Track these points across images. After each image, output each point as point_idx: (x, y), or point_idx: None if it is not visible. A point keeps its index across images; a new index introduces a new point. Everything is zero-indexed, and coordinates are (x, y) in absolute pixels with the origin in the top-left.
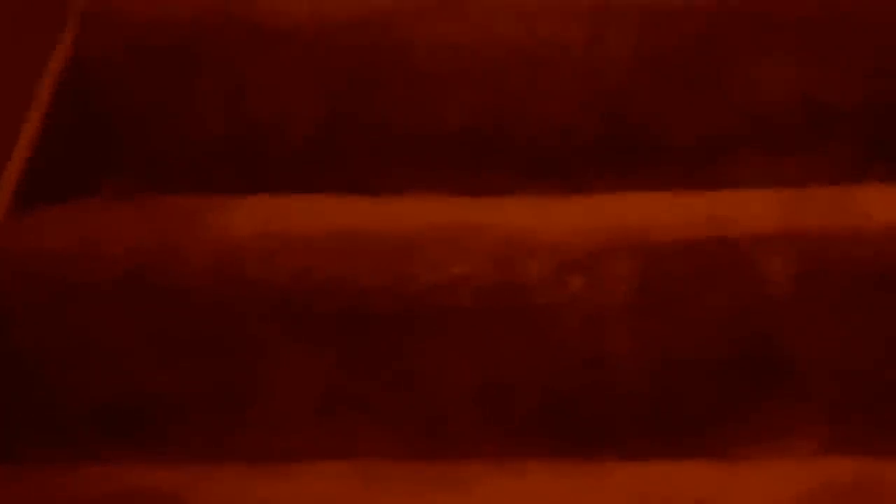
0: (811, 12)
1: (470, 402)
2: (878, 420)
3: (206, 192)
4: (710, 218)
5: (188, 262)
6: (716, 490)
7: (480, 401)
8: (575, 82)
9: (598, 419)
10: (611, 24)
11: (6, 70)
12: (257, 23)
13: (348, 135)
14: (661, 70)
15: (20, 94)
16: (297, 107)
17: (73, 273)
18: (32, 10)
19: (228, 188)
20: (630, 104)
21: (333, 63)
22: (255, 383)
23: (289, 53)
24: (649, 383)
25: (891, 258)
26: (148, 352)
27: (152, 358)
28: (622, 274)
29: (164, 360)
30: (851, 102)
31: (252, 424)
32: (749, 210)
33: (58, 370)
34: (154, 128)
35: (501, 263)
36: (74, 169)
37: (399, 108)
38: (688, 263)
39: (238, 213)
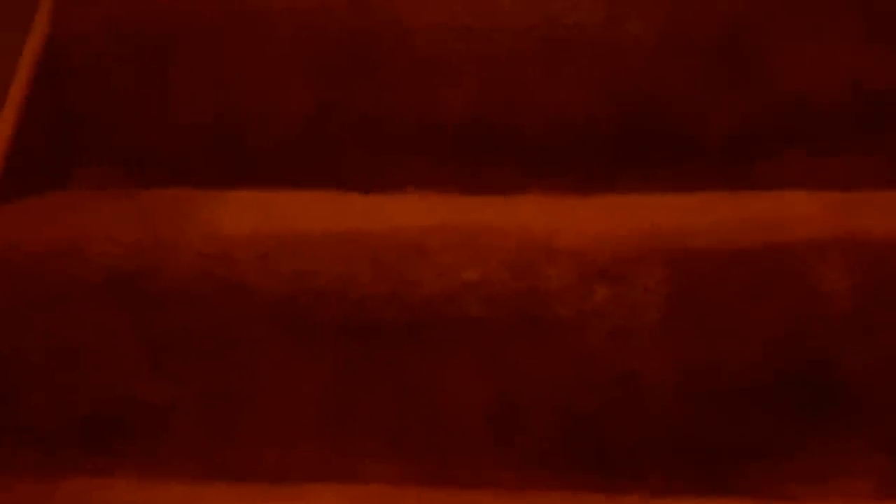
0: None
1: (481, 423)
2: None
3: (188, 184)
4: (753, 221)
5: (178, 263)
6: None
7: (493, 422)
8: (592, 67)
9: (625, 448)
10: (632, 3)
11: None
12: (242, 4)
13: (340, 125)
14: (690, 53)
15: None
16: (285, 95)
17: (54, 273)
18: None
19: (211, 181)
20: (655, 93)
21: (324, 47)
22: (247, 395)
23: (276, 37)
24: (683, 409)
25: None
26: (134, 358)
27: (139, 365)
28: (654, 284)
29: (152, 368)
30: None
31: (244, 439)
32: (798, 213)
33: (39, 376)
34: (132, 115)
35: (517, 269)
36: (49, 157)
37: (396, 96)
38: (729, 273)
39: (229, 210)
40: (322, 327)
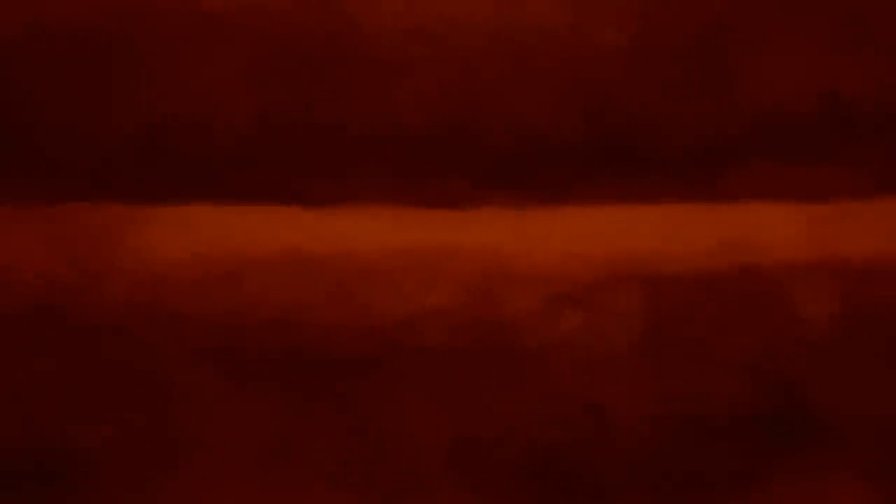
0: None
1: (441, 459)
2: None
3: (117, 200)
4: (729, 242)
5: (108, 293)
6: None
7: (454, 459)
8: (558, 74)
9: (594, 483)
10: (603, 5)
11: None
12: (179, 3)
13: (287, 134)
14: (661, 60)
15: None
16: (226, 100)
17: None
18: None
19: (144, 196)
20: (623, 101)
21: (269, 50)
22: (185, 435)
23: (216, 38)
24: (656, 441)
25: None
26: (60, 398)
27: (65, 405)
28: (628, 310)
29: (80, 408)
30: (884, 99)
31: (181, 483)
32: (776, 233)
33: None
34: (54, 121)
35: (480, 295)
36: None
37: (346, 103)
38: (705, 298)
39: (163, 230)
40: (270, 360)
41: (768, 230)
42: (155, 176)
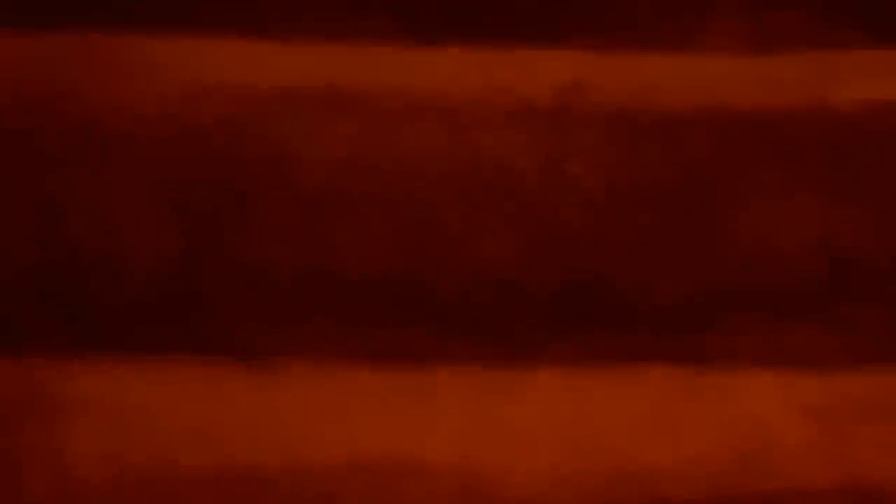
0: (838, 137)
1: None
2: None
3: (10, 347)
4: (732, 452)
5: None
6: None
7: None
8: (525, 217)
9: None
10: (576, 142)
11: None
12: (87, 120)
13: (210, 276)
14: (641, 206)
15: None
16: (140, 235)
17: None
18: None
19: (42, 345)
20: (598, 249)
21: (191, 178)
22: None
23: (130, 164)
24: None
25: None
26: None
27: None
28: None
29: None
30: (888, 254)
31: None
32: (780, 436)
33: None
34: None
35: None
36: None
37: (279, 242)
38: None
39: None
40: None
41: (771, 430)
42: (53, 318)
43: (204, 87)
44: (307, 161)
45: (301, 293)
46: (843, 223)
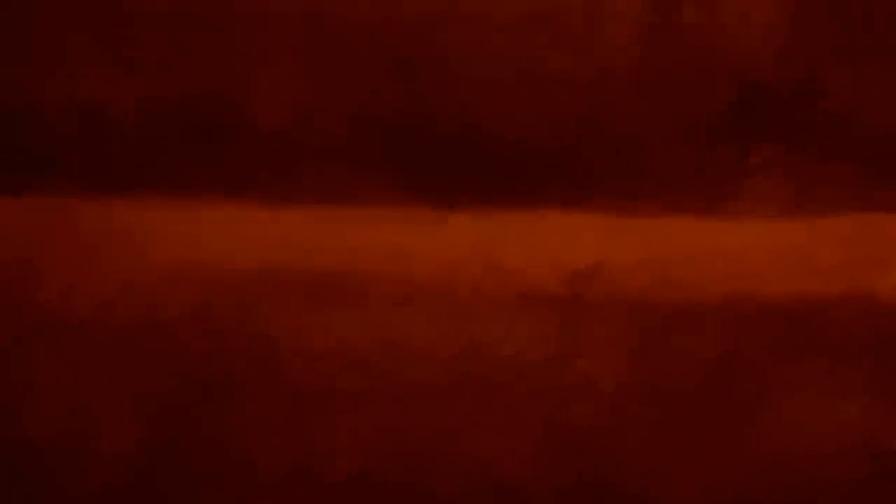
0: (883, 328)
1: None
2: None
3: None
4: None
5: None
6: None
7: None
8: (528, 417)
9: None
10: (590, 333)
11: None
12: (45, 308)
13: (178, 469)
14: (654, 405)
15: None
16: (100, 425)
17: None
18: None
19: None
20: (607, 452)
21: (161, 372)
22: None
23: (93, 352)
24: None
25: None
26: None
27: None
28: None
29: None
30: None
31: None
32: None
33: None
34: None
35: None
36: None
37: (257, 436)
38: None
39: None
40: None
41: None
42: None
43: (177, 269)
44: (288, 352)
45: (281, 494)
46: (876, 423)
